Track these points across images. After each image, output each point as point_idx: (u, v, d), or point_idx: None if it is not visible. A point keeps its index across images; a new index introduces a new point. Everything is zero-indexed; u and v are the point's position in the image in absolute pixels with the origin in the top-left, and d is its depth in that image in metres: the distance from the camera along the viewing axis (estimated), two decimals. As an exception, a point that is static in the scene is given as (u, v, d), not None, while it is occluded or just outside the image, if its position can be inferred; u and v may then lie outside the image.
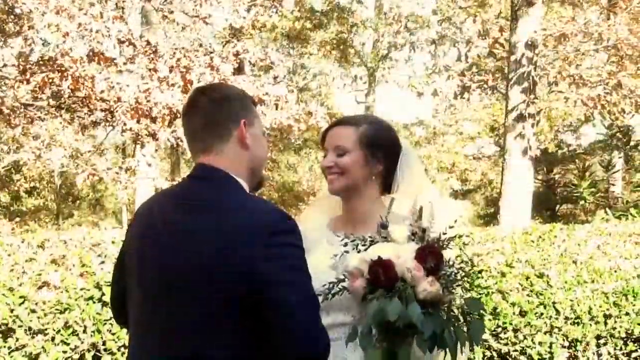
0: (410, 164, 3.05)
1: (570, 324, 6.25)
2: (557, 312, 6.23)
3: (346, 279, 2.60)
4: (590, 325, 6.27)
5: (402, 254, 2.45)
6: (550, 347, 6.21)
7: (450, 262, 2.52)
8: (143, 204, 2.73)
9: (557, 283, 6.29)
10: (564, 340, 6.25)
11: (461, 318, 2.48)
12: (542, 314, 6.21)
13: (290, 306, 2.27)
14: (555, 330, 6.23)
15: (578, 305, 6.26)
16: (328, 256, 2.82)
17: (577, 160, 25.65)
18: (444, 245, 2.51)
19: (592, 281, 6.39)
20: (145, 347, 2.49)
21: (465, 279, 2.54)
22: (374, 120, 3.11)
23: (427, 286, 2.38)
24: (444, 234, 2.53)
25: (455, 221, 2.64)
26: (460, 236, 2.59)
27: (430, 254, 2.43)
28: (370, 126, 3.00)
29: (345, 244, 2.69)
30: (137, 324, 2.55)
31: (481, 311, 2.53)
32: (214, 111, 2.57)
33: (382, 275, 2.41)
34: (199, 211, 2.42)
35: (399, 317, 2.33)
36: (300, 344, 2.28)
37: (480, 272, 6.27)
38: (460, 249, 2.66)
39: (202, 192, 2.48)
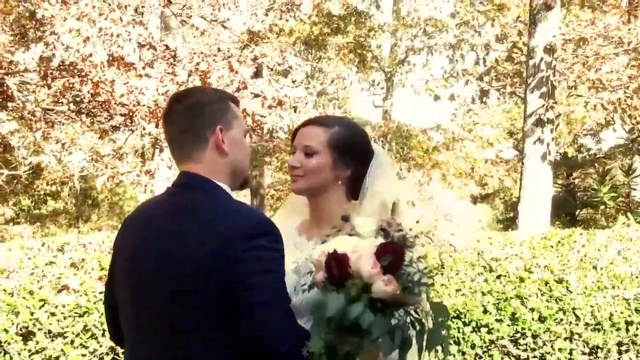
0: (381, 172, 2.95)
1: (591, 330, 6.20)
2: (577, 318, 6.18)
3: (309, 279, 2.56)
4: (612, 331, 6.22)
5: (361, 249, 2.34)
6: (571, 353, 6.17)
7: (412, 262, 2.36)
8: (129, 216, 2.77)
9: (577, 289, 6.24)
10: (584, 346, 6.20)
11: (428, 322, 2.36)
12: (561, 319, 6.16)
13: (253, 307, 2.31)
14: (576, 336, 6.18)
15: (599, 311, 6.21)
16: (293, 260, 2.75)
17: (597, 165, 25.50)
18: (410, 243, 2.40)
19: (613, 287, 6.34)
20: (139, 353, 2.54)
21: (430, 282, 2.36)
22: (347, 123, 3.01)
23: (382, 285, 2.26)
24: (410, 230, 2.44)
25: (422, 217, 2.57)
26: (426, 233, 2.44)
27: (390, 251, 2.31)
28: (342, 129, 2.92)
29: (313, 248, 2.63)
30: (130, 333, 2.60)
31: (445, 319, 2.40)
32: (189, 118, 2.58)
33: (334, 269, 2.31)
34: (182, 219, 2.47)
35: (337, 314, 2.24)
36: (264, 345, 2.33)
37: (498, 277, 6.25)
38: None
39: (185, 199, 2.53)
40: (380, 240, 2.39)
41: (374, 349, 2.32)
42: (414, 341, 2.32)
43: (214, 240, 2.35)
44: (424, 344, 2.33)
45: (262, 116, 11.46)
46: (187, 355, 2.39)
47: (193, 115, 2.58)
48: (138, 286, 2.51)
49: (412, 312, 2.35)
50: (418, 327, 2.32)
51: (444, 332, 2.37)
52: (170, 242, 2.43)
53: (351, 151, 2.90)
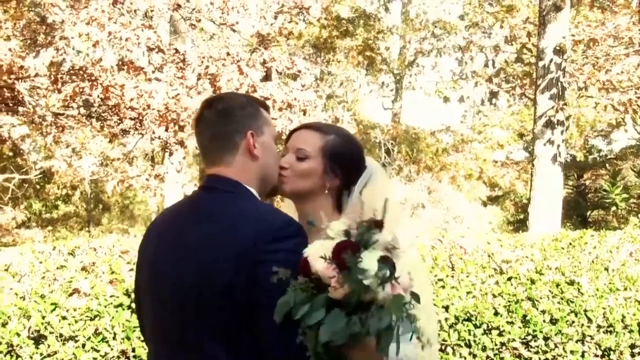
0: (371, 187, 2.87)
1: (603, 332, 6.18)
2: (589, 320, 6.16)
3: None
4: (624, 334, 6.19)
5: (325, 251, 2.31)
6: (583, 356, 6.14)
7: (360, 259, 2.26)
8: (154, 220, 2.78)
9: (588, 290, 6.22)
10: (596, 349, 6.18)
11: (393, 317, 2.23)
12: (573, 322, 6.14)
13: (268, 310, 2.29)
14: (588, 338, 6.16)
15: (610, 313, 6.18)
16: None
17: (608, 166, 25.44)
18: (370, 242, 2.31)
19: (625, 289, 6.31)
20: (160, 357, 2.55)
21: (390, 277, 2.23)
22: (345, 133, 2.95)
23: (335, 284, 2.23)
24: (364, 223, 2.35)
25: (385, 204, 2.41)
26: (375, 221, 2.32)
27: (343, 249, 2.27)
28: (338, 138, 2.87)
29: None
30: (152, 335, 2.62)
31: (403, 310, 2.24)
32: (219, 123, 2.60)
33: (302, 275, 2.31)
34: (207, 221, 2.47)
35: (283, 314, 2.24)
36: (270, 347, 2.32)
37: (509, 279, 6.23)
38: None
39: (210, 202, 2.54)
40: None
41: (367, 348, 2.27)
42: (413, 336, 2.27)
43: (240, 242, 2.34)
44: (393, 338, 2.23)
45: (272, 118, 11.47)
46: (208, 356, 2.38)
47: (224, 120, 2.59)
48: (161, 289, 2.50)
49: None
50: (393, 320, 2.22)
51: (408, 323, 2.24)
52: (196, 244, 2.43)
53: (343, 162, 2.85)
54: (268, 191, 2.70)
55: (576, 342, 6.13)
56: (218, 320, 2.35)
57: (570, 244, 6.71)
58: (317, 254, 2.31)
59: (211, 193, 2.56)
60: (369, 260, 2.25)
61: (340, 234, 2.37)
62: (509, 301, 6.09)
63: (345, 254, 2.25)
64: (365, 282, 2.21)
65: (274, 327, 2.28)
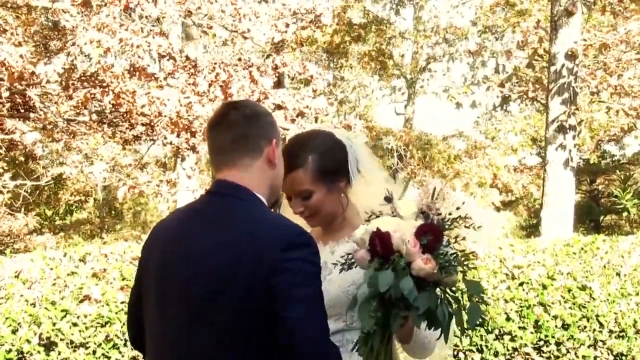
0: (358, 158, 3.08)
1: (615, 337, 6.15)
2: (601, 325, 6.13)
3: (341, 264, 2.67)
4: (636, 339, 6.16)
5: (402, 229, 2.47)
6: (595, 360, 6.12)
7: (449, 244, 2.53)
8: (160, 222, 2.77)
9: (600, 295, 6.19)
10: (608, 354, 6.15)
11: (462, 300, 2.48)
12: (585, 327, 6.11)
13: (294, 322, 2.29)
14: (600, 343, 6.13)
15: (622, 318, 6.15)
16: None
17: (619, 171, 25.30)
18: (447, 226, 2.54)
19: (637, 294, 6.28)
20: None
21: (465, 263, 2.52)
22: (315, 145, 3.04)
23: (421, 263, 2.39)
24: (449, 214, 2.57)
25: (464, 203, 2.63)
26: (464, 217, 2.56)
27: (429, 232, 2.44)
28: (314, 156, 2.98)
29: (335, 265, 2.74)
30: (154, 338, 2.58)
31: (482, 295, 2.49)
32: (247, 127, 2.58)
33: (379, 246, 2.44)
34: (218, 227, 2.46)
35: (390, 289, 2.36)
36: (296, 346, 2.30)
37: (521, 284, 6.21)
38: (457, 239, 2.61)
39: (222, 208, 2.52)
40: (420, 222, 2.53)
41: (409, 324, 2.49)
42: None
43: (257, 249, 2.35)
44: (463, 320, 2.44)
45: (284, 129, 11.45)
46: None
47: (251, 125, 2.58)
48: (172, 292, 2.48)
49: (449, 290, 2.48)
50: (455, 305, 2.45)
51: (482, 307, 2.47)
52: (211, 249, 2.42)
53: (334, 167, 3.01)
54: (272, 202, 2.69)
55: (588, 347, 6.10)
56: (230, 324, 2.34)
57: (582, 249, 6.69)
58: (384, 227, 2.48)
59: (224, 199, 2.54)
60: (451, 246, 2.53)
61: (412, 215, 2.58)
62: (520, 306, 6.07)
63: (429, 237, 2.44)
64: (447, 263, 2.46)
65: (304, 341, 2.29)
